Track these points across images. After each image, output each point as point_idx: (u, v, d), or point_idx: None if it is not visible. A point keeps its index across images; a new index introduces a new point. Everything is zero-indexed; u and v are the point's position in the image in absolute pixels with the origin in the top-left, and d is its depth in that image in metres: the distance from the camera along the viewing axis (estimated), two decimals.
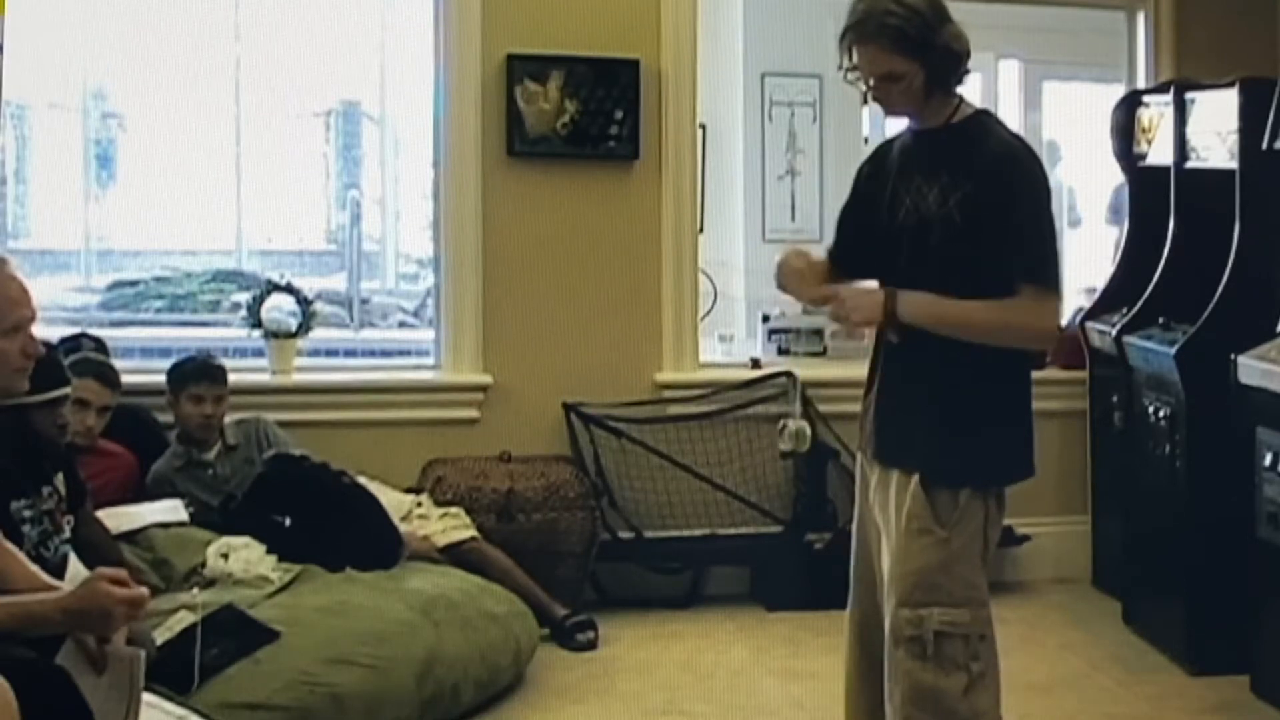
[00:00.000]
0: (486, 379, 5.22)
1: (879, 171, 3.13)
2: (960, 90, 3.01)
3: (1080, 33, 6.74)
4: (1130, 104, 5.43)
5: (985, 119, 3.05)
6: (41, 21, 6.20)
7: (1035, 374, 3.13)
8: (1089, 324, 5.41)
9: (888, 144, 3.19)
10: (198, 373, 4.69)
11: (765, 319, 5.84)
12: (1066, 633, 5.02)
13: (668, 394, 5.32)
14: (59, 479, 3.63)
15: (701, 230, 5.61)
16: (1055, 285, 2.96)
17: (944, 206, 2.93)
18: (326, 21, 8.05)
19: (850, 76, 2.98)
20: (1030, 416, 3.07)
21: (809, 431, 5.19)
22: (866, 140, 4.37)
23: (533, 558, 4.78)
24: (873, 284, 3.08)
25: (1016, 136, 3.05)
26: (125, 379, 4.56)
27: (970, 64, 2.99)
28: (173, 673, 3.53)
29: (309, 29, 8.03)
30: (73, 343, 4.77)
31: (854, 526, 3.23)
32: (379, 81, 8.86)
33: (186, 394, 4.66)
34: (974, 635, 2.96)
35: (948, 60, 2.93)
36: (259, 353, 5.34)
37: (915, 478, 2.96)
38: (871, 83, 2.95)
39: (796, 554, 5.19)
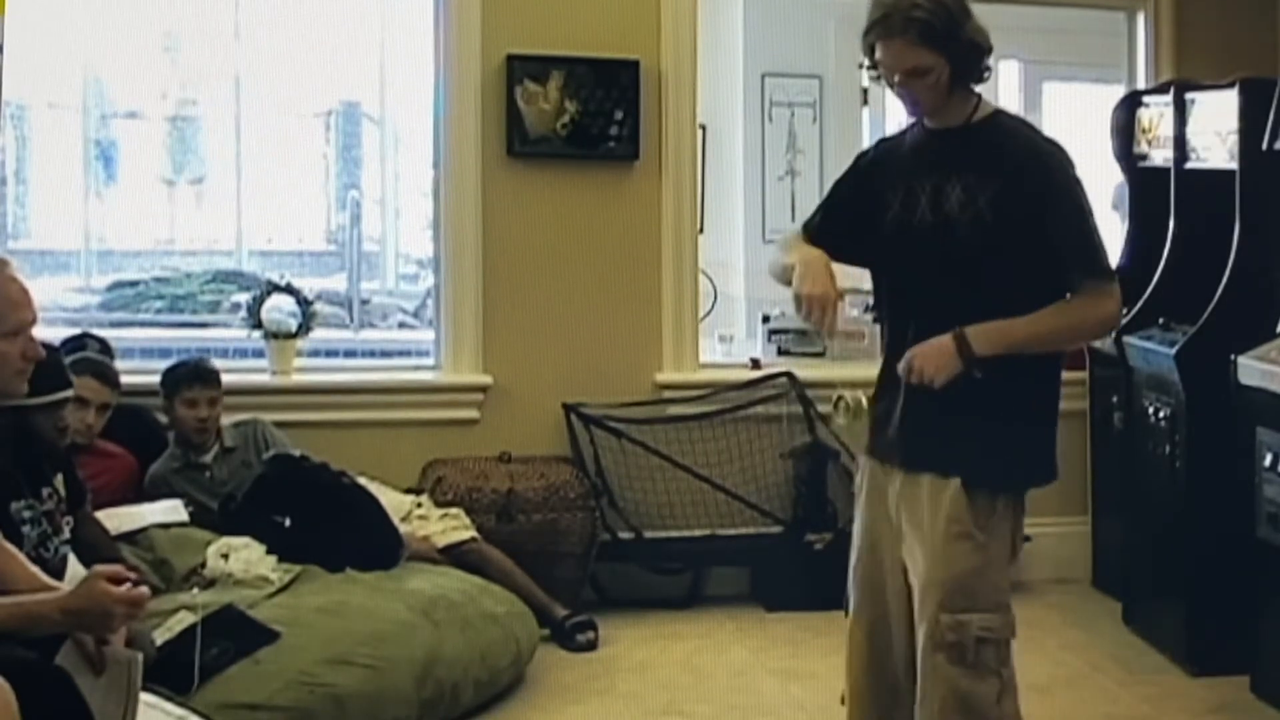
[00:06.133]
0: (486, 379, 5.22)
1: (886, 168, 3.07)
2: (978, 88, 2.99)
3: (1080, 33, 6.73)
4: (1130, 104, 5.42)
5: (1007, 117, 3.05)
6: (41, 21, 6.21)
7: None
8: None
9: (896, 139, 3.15)
10: (190, 376, 4.68)
11: (765, 319, 5.83)
12: (1066, 633, 5.01)
13: (668, 394, 5.31)
14: (59, 480, 3.63)
15: (701, 230, 5.60)
16: (1111, 273, 2.98)
17: (971, 206, 2.89)
18: (326, 21, 8.07)
19: (873, 74, 2.95)
20: (1057, 417, 3.07)
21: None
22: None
23: (532, 558, 4.77)
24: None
25: (1040, 132, 3.04)
26: (125, 379, 4.56)
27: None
28: (173, 673, 3.53)
29: (309, 29, 8.05)
30: (77, 343, 4.76)
31: (857, 531, 3.16)
32: (379, 81, 8.88)
33: (180, 398, 4.65)
34: (1004, 640, 2.94)
35: (973, 54, 2.91)
36: (259, 353, 5.33)
37: (955, 481, 2.90)
38: (897, 79, 2.90)
39: (796, 554, 5.18)
